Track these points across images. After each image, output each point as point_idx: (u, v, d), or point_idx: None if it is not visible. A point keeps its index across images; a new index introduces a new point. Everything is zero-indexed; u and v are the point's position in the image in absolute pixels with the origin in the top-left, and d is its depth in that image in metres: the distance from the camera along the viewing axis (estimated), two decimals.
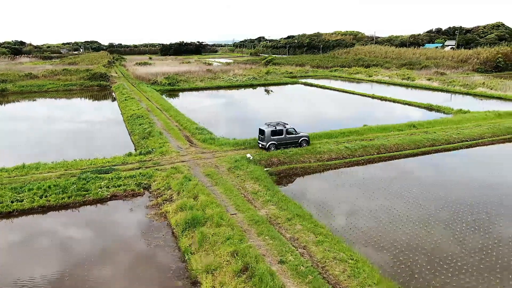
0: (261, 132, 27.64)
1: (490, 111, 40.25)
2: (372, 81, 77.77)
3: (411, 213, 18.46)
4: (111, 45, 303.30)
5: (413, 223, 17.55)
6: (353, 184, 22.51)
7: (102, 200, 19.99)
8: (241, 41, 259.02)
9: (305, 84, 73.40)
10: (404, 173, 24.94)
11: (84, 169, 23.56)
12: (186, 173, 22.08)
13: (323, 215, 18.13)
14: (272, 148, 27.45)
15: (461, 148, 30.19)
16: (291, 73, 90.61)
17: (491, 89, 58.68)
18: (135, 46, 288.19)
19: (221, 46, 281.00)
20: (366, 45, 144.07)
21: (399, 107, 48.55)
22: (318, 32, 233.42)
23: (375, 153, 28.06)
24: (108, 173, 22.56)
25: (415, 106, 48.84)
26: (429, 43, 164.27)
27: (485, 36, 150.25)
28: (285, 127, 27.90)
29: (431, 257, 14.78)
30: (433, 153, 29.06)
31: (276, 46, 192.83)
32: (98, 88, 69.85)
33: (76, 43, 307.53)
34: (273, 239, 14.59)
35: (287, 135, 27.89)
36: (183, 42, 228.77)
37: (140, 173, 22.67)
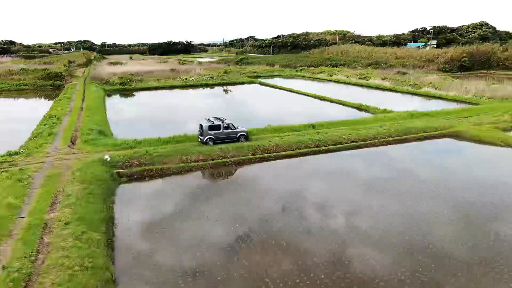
0: (200, 127, 28.62)
1: (405, 111, 39.79)
2: (331, 80, 77.58)
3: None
4: (103, 45, 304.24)
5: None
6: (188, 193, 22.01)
7: None
8: (231, 41, 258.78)
9: (261, 83, 73.10)
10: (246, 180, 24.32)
11: None
12: (26, 175, 21.86)
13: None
14: (210, 143, 28.22)
15: (345, 149, 29.78)
16: (255, 72, 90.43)
17: (436, 88, 58.13)
18: (129, 45, 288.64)
19: (211, 45, 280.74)
20: (345, 44, 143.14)
21: (331, 107, 48.36)
22: (306, 32, 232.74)
23: (250, 154, 27.67)
24: None
25: (347, 106, 48.56)
26: (413, 42, 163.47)
27: (468, 35, 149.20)
28: (223, 122, 28.71)
29: None
30: (312, 154, 28.68)
31: (262, 46, 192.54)
32: (51, 87, 69.78)
33: (69, 43, 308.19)
34: (25, 244, 14.35)
35: (225, 130, 28.71)
36: (171, 41, 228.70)
37: None
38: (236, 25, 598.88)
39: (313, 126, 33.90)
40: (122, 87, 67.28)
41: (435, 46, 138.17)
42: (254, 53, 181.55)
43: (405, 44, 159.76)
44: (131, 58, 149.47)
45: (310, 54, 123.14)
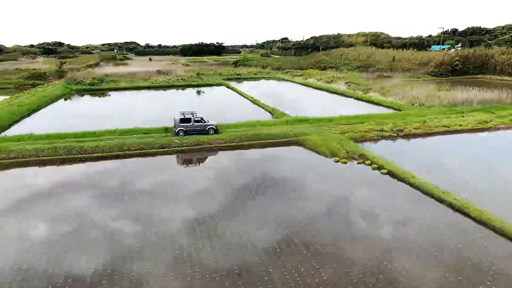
0: (174, 120, 32.57)
1: (285, 118, 38.91)
2: (301, 83, 76.52)
3: None
4: (146, 46, 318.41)
5: None
6: None
7: None
8: (262, 43, 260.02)
9: (227, 86, 73.71)
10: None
11: None
12: None
13: None
14: (181, 134, 32.02)
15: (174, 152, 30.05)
16: (238, 74, 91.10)
17: (382, 94, 55.62)
18: (166, 46, 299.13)
19: (245, 47, 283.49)
20: (366, 46, 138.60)
21: (250, 108, 48.99)
22: (338, 33, 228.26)
23: (73, 154, 28.77)
24: None
25: (265, 109, 48.04)
26: (439, 44, 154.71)
27: (502, 36, 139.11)
28: (193, 116, 32.22)
29: None
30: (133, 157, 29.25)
31: (286, 48, 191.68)
32: (31, 86, 74.90)
33: (116, 44, 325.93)
34: None
35: (195, 123, 32.19)
36: (202, 43, 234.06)
37: None
38: (271, 27, 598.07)
39: (166, 130, 34.44)
40: (90, 87, 70.91)
41: (459, 48, 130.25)
42: (278, 55, 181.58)
43: (429, 47, 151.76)
44: (150, 59, 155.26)
45: (315, 56, 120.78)
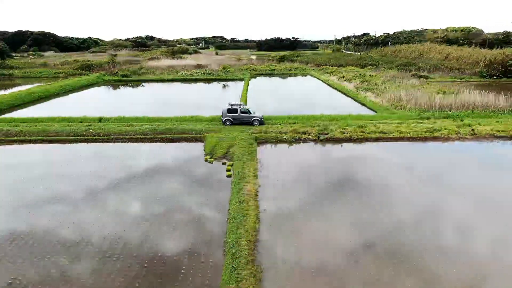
0: (222, 109, 34.91)
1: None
2: (322, 80, 74.12)
3: None
4: (231, 40, 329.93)
5: None
6: None
7: None
8: (339, 39, 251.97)
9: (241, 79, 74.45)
10: None
11: None
12: None
13: None
14: (228, 123, 34.20)
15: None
16: (272, 70, 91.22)
17: (370, 91, 51.77)
18: (248, 41, 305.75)
19: (323, 42, 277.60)
20: (434, 43, 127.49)
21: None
22: (422, 28, 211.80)
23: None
24: None
25: None
26: None
27: None
28: (239, 107, 34.38)
29: None
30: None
31: (358, 43, 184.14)
32: (78, 76, 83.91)
33: (204, 38, 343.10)
34: None
35: (241, 114, 34.27)
36: (278, 38, 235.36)
37: None
38: (353, 21, 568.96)
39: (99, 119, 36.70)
40: (121, 77, 77.17)
41: None
42: (350, 50, 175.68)
43: None
44: (216, 53, 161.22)
45: (370, 53, 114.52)
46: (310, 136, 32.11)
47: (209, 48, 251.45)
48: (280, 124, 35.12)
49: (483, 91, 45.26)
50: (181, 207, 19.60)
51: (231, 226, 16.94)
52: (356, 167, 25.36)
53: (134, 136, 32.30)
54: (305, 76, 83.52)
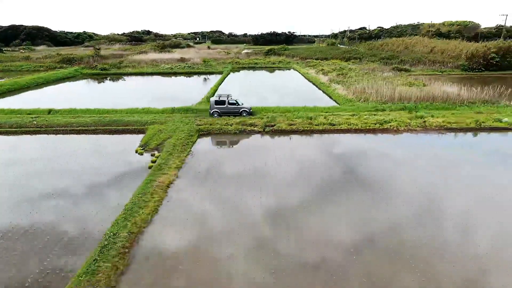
0: (209, 101, 35.08)
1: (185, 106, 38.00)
2: (302, 73, 73.19)
3: None
4: (229, 34, 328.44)
5: None
6: None
7: None
8: (336, 33, 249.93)
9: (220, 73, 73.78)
10: None
11: None
12: None
13: None
14: (215, 115, 33.94)
15: None
16: (255, 63, 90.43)
17: (340, 84, 50.98)
18: (245, 35, 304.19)
19: (319, 36, 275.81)
20: (423, 37, 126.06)
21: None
22: (418, 22, 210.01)
23: None
24: None
25: None
26: None
27: None
28: (227, 98, 33.97)
29: None
30: None
31: (352, 38, 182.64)
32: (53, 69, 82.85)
33: (202, 33, 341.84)
34: None
35: (229, 105, 33.94)
36: (274, 32, 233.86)
37: None
38: (352, 16, 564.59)
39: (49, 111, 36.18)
40: (99, 71, 76.52)
41: None
42: (345, 45, 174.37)
43: (510, 37, 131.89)
44: (209, 47, 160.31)
45: (359, 46, 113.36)
46: (255, 128, 31.41)
47: (205, 42, 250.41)
48: (229, 116, 34.43)
49: (455, 83, 44.39)
50: (80, 198, 18.97)
51: (120, 218, 16.32)
52: (287, 159, 24.65)
53: (76, 128, 31.74)
54: (288, 69, 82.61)
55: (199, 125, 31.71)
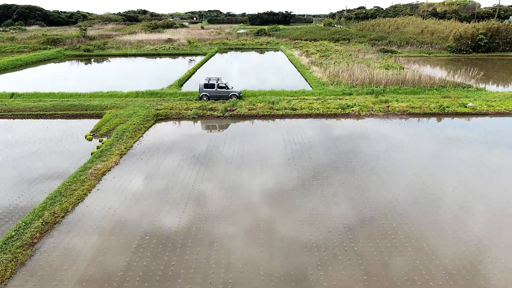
0: (199, 84, 34.04)
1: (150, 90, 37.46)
2: (287, 55, 72.10)
3: None
4: (227, 14, 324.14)
5: None
6: None
7: None
8: (334, 12, 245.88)
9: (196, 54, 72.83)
10: None
11: None
12: None
13: None
14: (204, 98, 33.46)
15: None
16: (243, 45, 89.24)
17: (319, 67, 50.18)
18: (244, 15, 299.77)
19: (318, 16, 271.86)
20: (416, 17, 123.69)
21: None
22: (417, 2, 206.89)
23: None
24: None
25: None
26: None
27: None
28: (216, 82, 33.40)
29: None
30: None
31: (349, 17, 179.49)
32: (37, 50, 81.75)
33: (200, 12, 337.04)
34: None
35: (218, 89, 33.38)
36: (270, 12, 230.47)
37: None
38: None
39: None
40: (82, 52, 75.55)
41: None
42: (342, 25, 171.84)
43: (506, 18, 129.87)
44: (202, 28, 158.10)
45: (351, 27, 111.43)
46: (215, 113, 30.95)
47: (201, 22, 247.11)
48: (191, 100, 33.95)
49: (436, 66, 43.59)
50: (8, 185, 18.73)
51: (38, 208, 16.08)
52: (235, 142, 24.31)
53: (34, 113, 31.36)
54: (276, 51, 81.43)
55: (159, 109, 31.28)
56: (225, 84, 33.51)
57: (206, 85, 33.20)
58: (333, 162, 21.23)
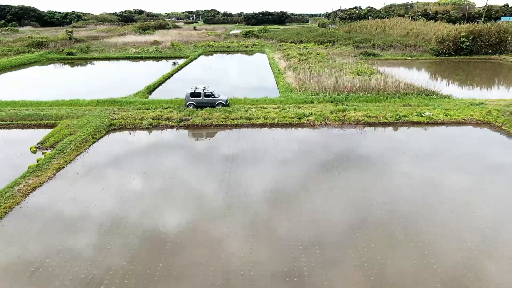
0: (186, 93, 33.81)
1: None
2: (270, 58, 71.85)
3: None
4: (224, 14, 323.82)
5: None
6: None
7: None
8: (330, 12, 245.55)
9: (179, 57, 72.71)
10: None
11: None
12: None
13: None
14: (191, 107, 33.17)
15: None
16: (228, 47, 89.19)
17: (294, 71, 50.04)
18: (241, 14, 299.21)
19: (315, 16, 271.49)
20: (416, 19, 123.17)
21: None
22: (412, 2, 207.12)
23: None
24: None
25: None
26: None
27: None
28: (203, 90, 33.32)
29: None
30: None
31: (343, 18, 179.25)
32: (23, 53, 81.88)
33: (197, 12, 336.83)
34: None
35: (205, 98, 33.32)
36: (266, 11, 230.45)
37: None
38: None
39: None
40: (65, 55, 75.49)
41: None
42: (337, 25, 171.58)
43: (498, 18, 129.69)
44: (195, 28, 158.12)
45: (340, 28, 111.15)
46: (170, 123, 30.82)
47: (197, 22, 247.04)
48: (154, 109, 33.74)
49: (412, 70, 43.27)
50: None
51: None
52: (183, 159, 24.19)
53: None
54: (261, 53, 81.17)
55: (114, 119, 31.15)
56: (211, 92, 33.33)
57: (193, 94, 33.07)
58: (276, 174, 21.03)
